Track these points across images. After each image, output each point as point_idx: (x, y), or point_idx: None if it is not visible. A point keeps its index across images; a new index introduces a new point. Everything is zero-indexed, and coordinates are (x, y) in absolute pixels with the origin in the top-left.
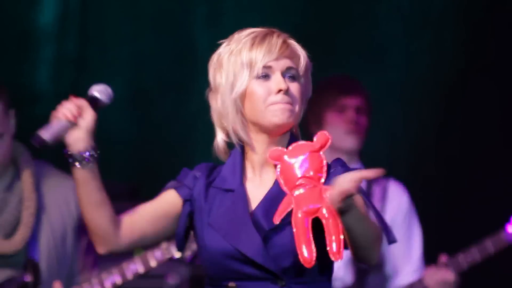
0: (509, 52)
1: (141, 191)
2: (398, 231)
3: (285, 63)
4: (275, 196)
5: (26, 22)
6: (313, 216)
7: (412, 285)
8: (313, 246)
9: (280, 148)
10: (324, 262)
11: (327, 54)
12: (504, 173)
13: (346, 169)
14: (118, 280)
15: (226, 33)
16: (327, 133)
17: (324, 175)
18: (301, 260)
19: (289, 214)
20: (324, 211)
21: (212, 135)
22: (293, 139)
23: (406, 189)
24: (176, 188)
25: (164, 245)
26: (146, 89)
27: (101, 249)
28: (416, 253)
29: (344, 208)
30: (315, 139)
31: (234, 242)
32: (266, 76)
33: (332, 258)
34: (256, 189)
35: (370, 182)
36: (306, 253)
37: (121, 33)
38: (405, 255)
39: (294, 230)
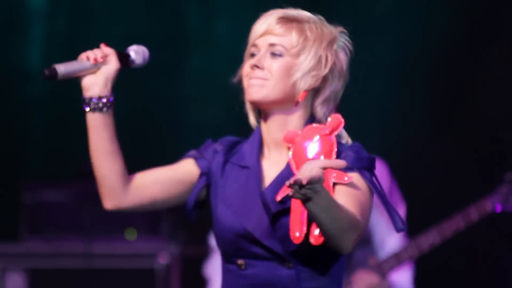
0: (504, 30)
1: (131, 171)
2: (381, 205)
3: (268, 39)
4: (285, 178)
5: (16, 0)
6: None
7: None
8: (304, 227)
9: (294, 130)
10: None
11: None
12: (494, 150)
13: (359, 155)
14: None
15: (217, 14)
16: (340, 117)
17: (334, 158)
18: (291, 236)
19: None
20: None
21: (203, 115)
22: (311, 120)
23: (386, 163)
24: (196, 158)
25: None
26: (137, 69)
27: (107, 203)
28: None
29: (305, 196)
30: (328, 122)
31: (243, 221)
32: (253, 54)
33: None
34: (271, 168)
35: None
36: (298, 232)
37: (112, 12)
38: (390, 228)
39: (291, 207)
